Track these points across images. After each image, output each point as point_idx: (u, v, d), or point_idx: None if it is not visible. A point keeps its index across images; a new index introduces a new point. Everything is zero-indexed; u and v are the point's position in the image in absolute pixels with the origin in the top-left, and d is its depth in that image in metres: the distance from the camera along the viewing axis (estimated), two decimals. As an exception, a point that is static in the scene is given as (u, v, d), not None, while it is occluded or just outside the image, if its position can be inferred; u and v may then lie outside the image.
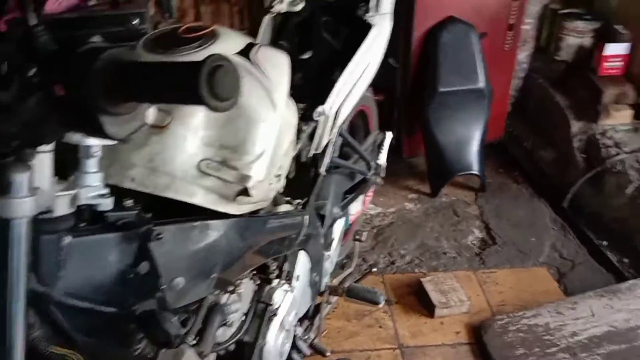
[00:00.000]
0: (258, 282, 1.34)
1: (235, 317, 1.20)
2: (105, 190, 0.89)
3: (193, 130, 0.98)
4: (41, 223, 0.79)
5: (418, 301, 2.15)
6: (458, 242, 2.51)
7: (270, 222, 1.22)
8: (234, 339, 1.22)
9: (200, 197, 0.98)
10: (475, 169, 2.75)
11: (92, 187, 0.87)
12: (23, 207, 0.69)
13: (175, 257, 0.95)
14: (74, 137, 0.84)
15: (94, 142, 0.86)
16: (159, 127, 0.96)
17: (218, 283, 1.04)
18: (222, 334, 1.17)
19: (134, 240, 0.89)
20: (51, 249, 0.81)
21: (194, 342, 1.02)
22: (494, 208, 2.73)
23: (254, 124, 1.04)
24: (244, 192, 1.00)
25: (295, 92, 1.64)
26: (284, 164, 1.26)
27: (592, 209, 2.61)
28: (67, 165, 0.87)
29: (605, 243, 2.45)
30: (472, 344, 1.97)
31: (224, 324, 1.14)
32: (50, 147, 0.78)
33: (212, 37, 1.07)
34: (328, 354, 1.63)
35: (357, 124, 2.27)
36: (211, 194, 0.99)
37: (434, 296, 2.10)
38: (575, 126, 2.78)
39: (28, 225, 0.71)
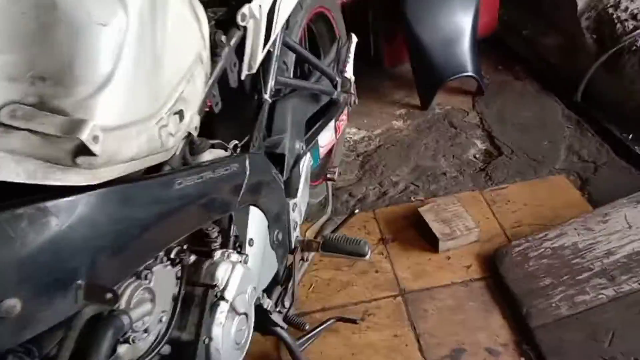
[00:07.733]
0: (192, 258, 0.98)
1: (150, 321, 0.84)
2: None
3: None
4: None
5: (418, 235, 1.80)
6: (458, 158, 2.14)
7: (181, 181, 0.84)
8: (162, 345, 0.88)
9: (6, 169, 0.59)
10: (469, 69, 2.34)
11: None
12: None
13: None
14: None
15: None
16: None
17: (89, 292, 0.67)
18: (133, 348, 0.82)
19: None
20: None
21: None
22: (496, 112, 2.35)
23: (85, 32, 0.63)
24: (85, 149, 0.61)
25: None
26: (189, 95, 0.87)
27: (610, 97, 2.23)
28: None
29: (630, 136, 2.09)
30: (486, 279, 1.63)
31: (126, 341, 0.79)
32: None
33: None
34: (307, 326, 1.30)
35: (320, 31, 1.85)
36: (26, 160, 0.60)
37: (436, 227, 1.76)
38: (582, 1, 2.33)
39: None
